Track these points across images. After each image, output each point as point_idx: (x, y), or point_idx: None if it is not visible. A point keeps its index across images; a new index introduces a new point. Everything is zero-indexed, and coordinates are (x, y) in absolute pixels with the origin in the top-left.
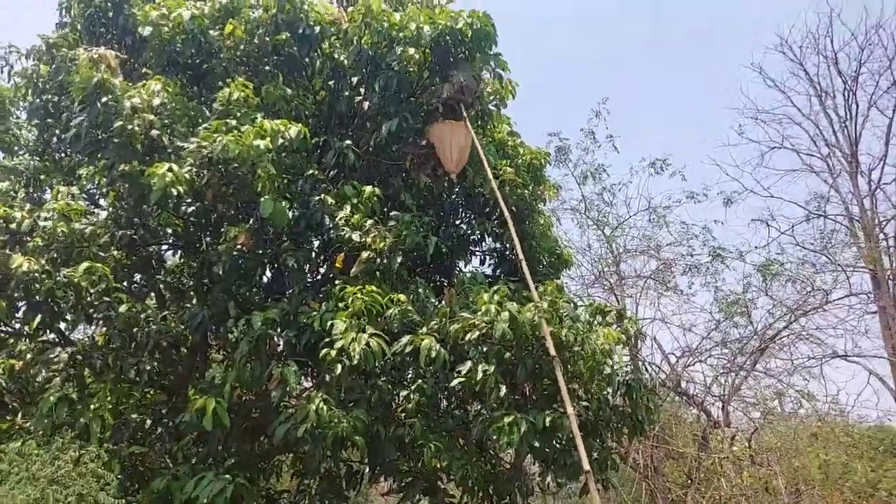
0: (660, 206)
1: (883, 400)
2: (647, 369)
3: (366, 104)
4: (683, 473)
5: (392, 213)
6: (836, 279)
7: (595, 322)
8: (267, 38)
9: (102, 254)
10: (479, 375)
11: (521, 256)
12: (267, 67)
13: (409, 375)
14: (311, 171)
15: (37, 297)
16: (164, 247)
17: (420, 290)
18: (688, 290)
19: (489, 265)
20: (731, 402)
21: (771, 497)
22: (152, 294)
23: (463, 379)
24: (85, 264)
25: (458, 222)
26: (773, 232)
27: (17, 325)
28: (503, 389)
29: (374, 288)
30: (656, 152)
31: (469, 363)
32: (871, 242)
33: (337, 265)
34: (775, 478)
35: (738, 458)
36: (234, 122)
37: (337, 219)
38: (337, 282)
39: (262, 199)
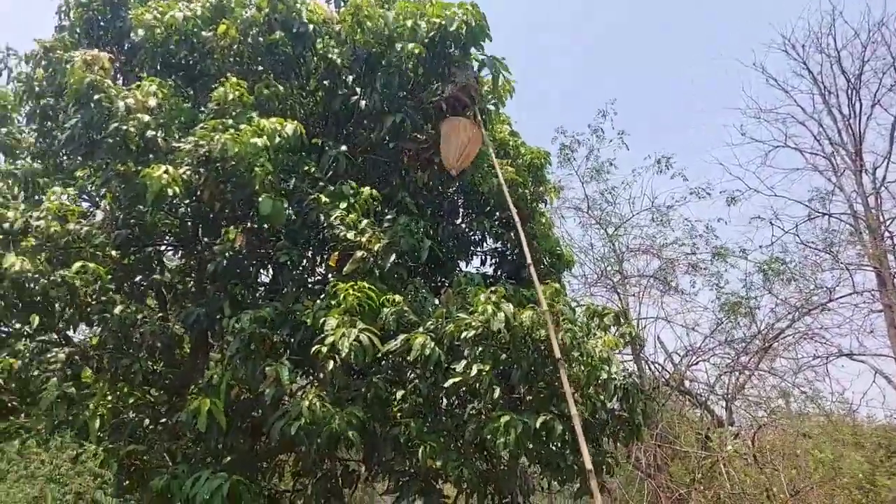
0: (663, 204)
1: (889, 398)
2: (650, 369)
3: (363, 103)
4: (687, 472)
5: (388, 217)
6: (840, 278)
7: (593, 325)
8: (260, 38)
9: (99, 254)
10: (474, 373)
11: (529, 260)
12: (260, 67)
13: (409, 375)
14: (307, 169)
15: (32, 298)
16: (163, 247)
17: (419, 290)
18: (691, 290)
19: (490, 265)
20: (734, 402)
21: (773, 497)
22: (153, 294)
23: (458, 378)
24: (78, 264)
25: (458, 221)
26: (776, 231)
27: (18, 325)
28: (497, 391)
29: (366, 284)
30: (659, 151)
31: (464, 362)
32: (875, 240)
33: (331, 263)
34: (778, 476)
35: (741, 456)
36: (230, 122)
37: (332, 217)
38: (331, 279)
39: (261, 199)
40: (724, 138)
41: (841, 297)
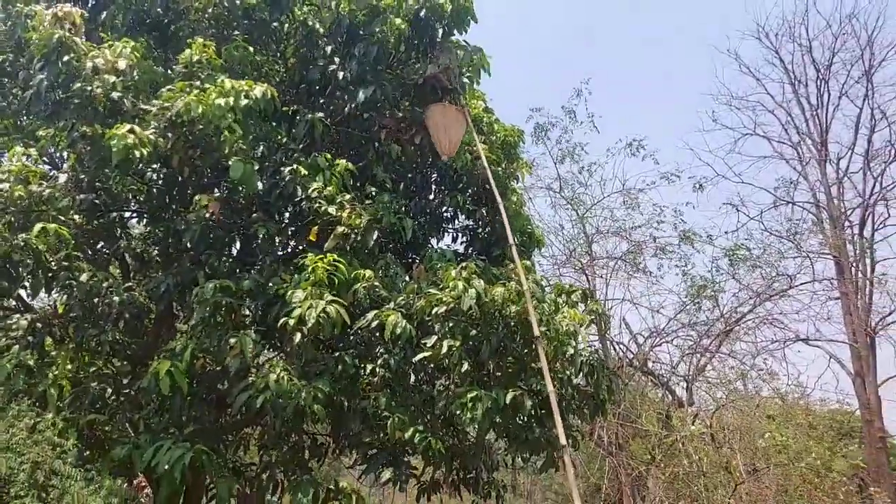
0: (633, 188)
1: (842, 383)
2: (615, 349)
3: (340, 73)
4: (648, 451)
5: (370, 192)
6: (801, 265)
7: (560, 302)
8: (237, 1)
9: (62, 217)
10: (444, 349)
11: (511, 240)
12: (236, 32)
13: (378, 350)
14: (280, 138)
15: None
16: (129, 214)
17: (391, 266)
18: (657, 272)
19: (461, 243)
20: (695, 383)
21: (729, 475)
22: (116, 262)
23: (428, 353)
24: (39, 225)
25: (430, 197)
26: (742, 217)
27: None
28: (465, 365)
29: (335, 256)
30: (632, 134)
31: (434, 337)
32: (836, 230)
33: (311, 238)
34: (734, 456)
35: (700, 436)
36: (197, 83)
37: (310, 190)
38: (309, 254)
39: (231, 161)
40: (696, 124)
41: (801, 284)
